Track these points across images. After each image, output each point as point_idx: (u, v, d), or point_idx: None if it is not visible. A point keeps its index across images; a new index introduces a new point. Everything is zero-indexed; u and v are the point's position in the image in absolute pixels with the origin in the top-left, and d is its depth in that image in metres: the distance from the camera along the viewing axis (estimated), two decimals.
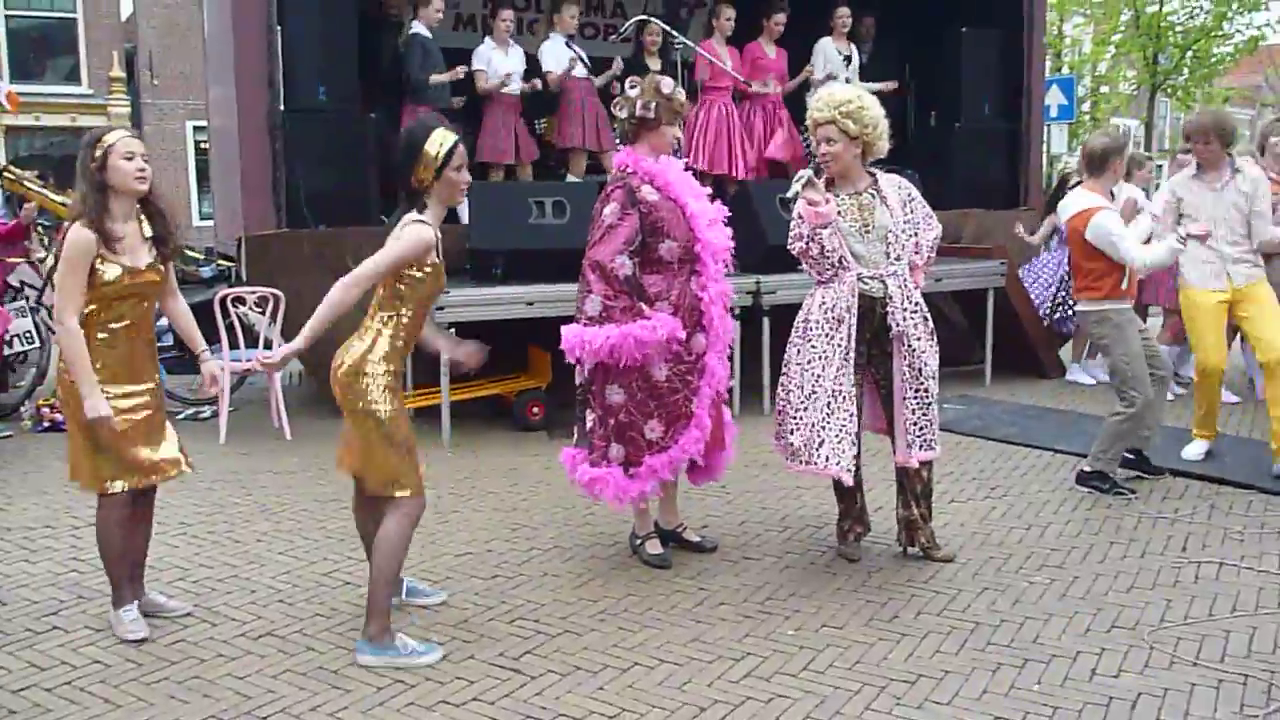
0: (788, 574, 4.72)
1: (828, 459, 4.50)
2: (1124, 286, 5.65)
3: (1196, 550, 4.93)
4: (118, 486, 4.01)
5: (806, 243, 4.53)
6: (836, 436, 4.50)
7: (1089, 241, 5.61)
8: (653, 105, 4.48)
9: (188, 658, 3.90)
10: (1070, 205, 5.79)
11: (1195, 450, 6.32)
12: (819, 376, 4.53)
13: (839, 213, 4.53)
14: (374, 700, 3.58)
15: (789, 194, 4.58)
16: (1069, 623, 4.15)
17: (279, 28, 7.54)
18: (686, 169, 4.78)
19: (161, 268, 4.04)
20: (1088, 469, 5.87)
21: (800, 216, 4.54)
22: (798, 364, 4.61)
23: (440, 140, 3.78)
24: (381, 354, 3.83)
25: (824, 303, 4.57)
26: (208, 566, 4.85)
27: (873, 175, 4.69)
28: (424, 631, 4.09)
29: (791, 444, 4.59)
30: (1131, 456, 6.01)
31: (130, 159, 3.88)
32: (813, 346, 4.56)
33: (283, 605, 4.41)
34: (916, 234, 4.64)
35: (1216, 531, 5.17)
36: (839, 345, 4.52)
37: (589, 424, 4.69)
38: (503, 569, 4.82)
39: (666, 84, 4.53)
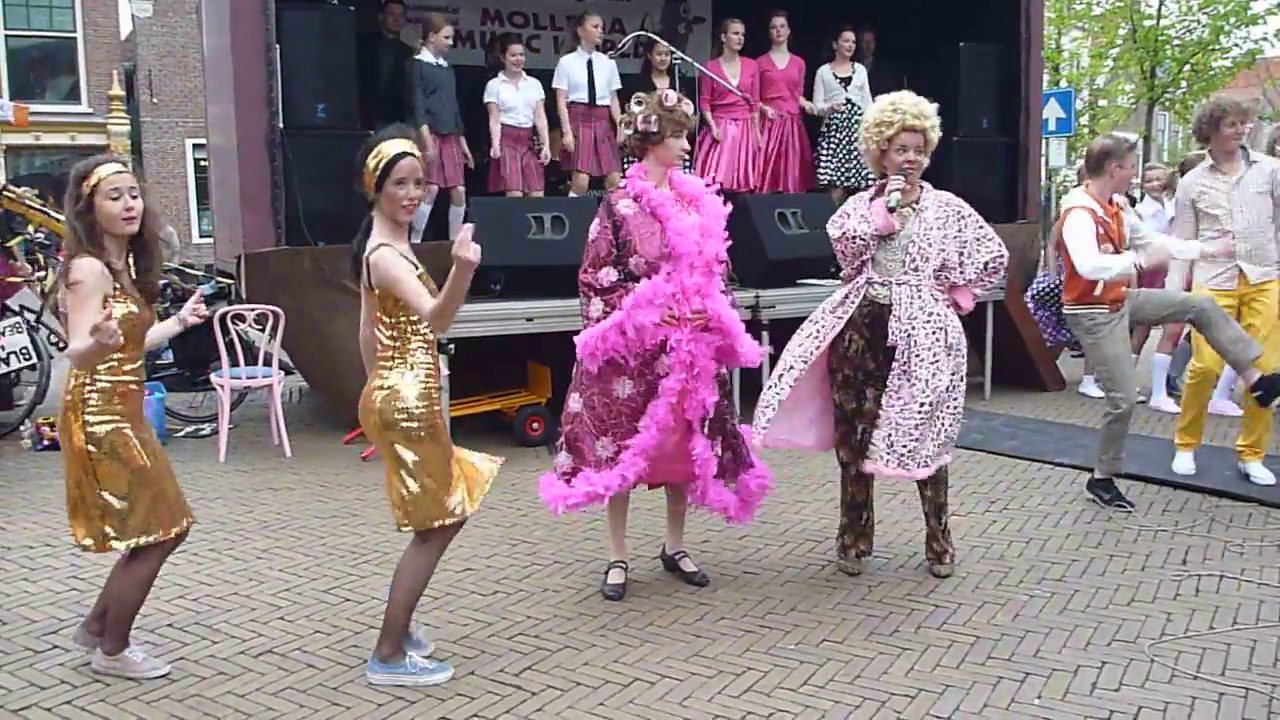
0: (788, 588, 4.72)
1: (756, 425, 4.72)
2: (1097, 292, 5.58)
3: (1197, 563, 4.93)
4: (157, 538, 3.79)
5: (856, 239, 4.61)
6: (771, 404, 4.67)
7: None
8: (654, 119, 4.48)
9: (187, 675, 3.90)
10: (1064, 203, 5.82)
11: (1183, 465, 6.29)
12: (793, 351, 4.72)
13: None
14: (374, 717, 3.58)
15: (892, 204, 4.57)
16: (1069, 636, 4.15)
17: (277, 46, 7.57)
18: (720, 191, 4.74)
19: (147, 310, 3.83)
20: (1097, 475, 5.89)
21: (864, 218, 4.62)
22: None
23: (381, 152, 3.66)
24: (420, 379, 3.71)
25: (834, 297, 4.73)
26: (208, 584, 4.85)
27: (924, 188, 4.74)
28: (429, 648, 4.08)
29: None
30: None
31: (117, 198, 3.62)
32: (802, 330, 4.74)
33: (283, 622, 4.41)
34: (962, 253, 4.60)
35: (1217, 545, 5.17)
36: (820, 327, 4.68)
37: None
38: (503, 584, 4.82)
39: (670, 97, 4.53)
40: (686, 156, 4.71)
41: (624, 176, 4.68)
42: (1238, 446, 6.23)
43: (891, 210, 4.54)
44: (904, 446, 4.51)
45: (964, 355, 4.64)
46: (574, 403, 4.56)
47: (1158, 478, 6.19)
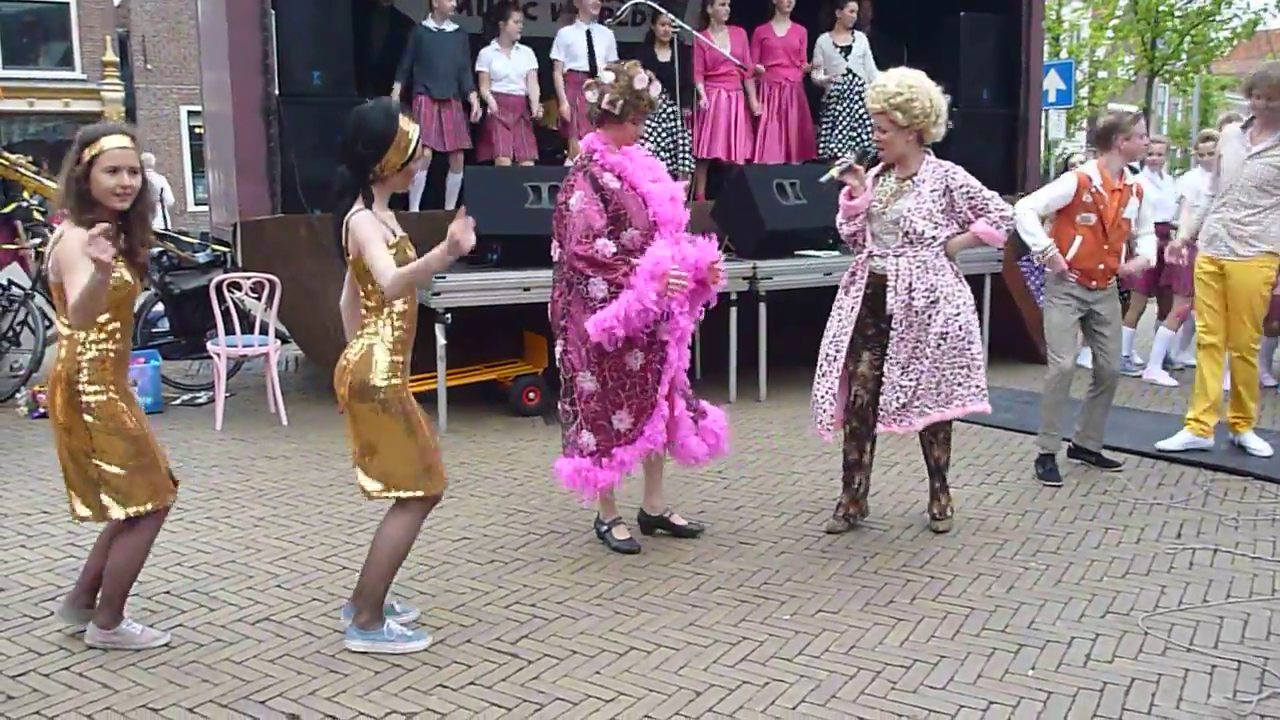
0: (784, 559, 4.73)
1: (816, 419, 4.88)
2: (1070, 255, 5.64)
3: (1191, 536, 4.94)
4: (156, 504, 3.78)
5: (840, 224, 4.91)
6: (821, 397, 4.84)
7: None
8: (619, 103, 4.44)
9: (185, 643, 3.91)
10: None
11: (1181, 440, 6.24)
12: (825, 340, 4.89)
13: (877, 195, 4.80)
14: (371, 684, 3.59)
15: (824, 179, 4.88)
16: (1064, 608, 4.16)
17: (272, 12, 7.51)
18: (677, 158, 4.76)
19: (135, 281, 3.77)
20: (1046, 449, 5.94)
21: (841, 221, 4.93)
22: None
23: (408, 135, 3.69)
24: (389, 350, 3.73)
25: (846, 275, 4.92)
26: (205, 552, 4.86)
27: (925, 162, 4.75)
28: (421, 616, 4.10)
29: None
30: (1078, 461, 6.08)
31: (114, 173, 3.55)
32: (833, 316, 4.90)
33: (280, 590, 4.42)
34: (950, 222, 4.77)
35: (1211, 518, 5.18)
36: (843, 312, 4.84)
37: (560, 412, 4.69)
38: (499, 553, 4.83)
39: (640, 80, 4.48)
40: (640, 140, 4.73)
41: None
42: (1230, 419, 6.24)
43: (826, 184, 4.86)
44: (910, 406, 4.76)
45: (960, 309, 4.72)
46: (585, 381, 4.55)
47: (1151, 452, 6.22)
